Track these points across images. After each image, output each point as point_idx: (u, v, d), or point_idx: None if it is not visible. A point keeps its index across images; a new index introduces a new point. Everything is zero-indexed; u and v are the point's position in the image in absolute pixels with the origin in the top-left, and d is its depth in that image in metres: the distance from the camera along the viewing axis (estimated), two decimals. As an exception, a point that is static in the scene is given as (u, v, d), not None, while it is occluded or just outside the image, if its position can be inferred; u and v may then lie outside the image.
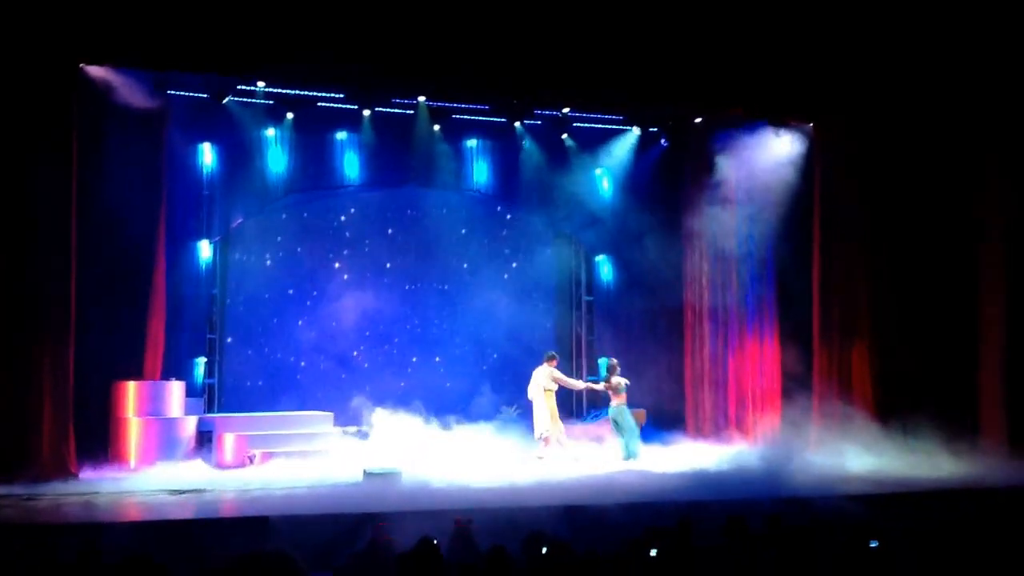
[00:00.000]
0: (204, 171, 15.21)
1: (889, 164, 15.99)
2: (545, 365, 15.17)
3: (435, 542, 7.33)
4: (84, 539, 8.07)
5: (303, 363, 16.32)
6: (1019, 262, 15.73)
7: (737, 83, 15.36)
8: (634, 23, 14.57)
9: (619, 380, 14.98)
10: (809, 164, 16.13)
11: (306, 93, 15.30)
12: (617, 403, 14.86)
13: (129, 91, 13.75)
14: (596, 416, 16.49)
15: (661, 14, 14.63)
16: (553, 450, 14.84)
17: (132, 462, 13.40)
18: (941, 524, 8.83)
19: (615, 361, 15.28)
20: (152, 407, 13.74)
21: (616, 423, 14.87)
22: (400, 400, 15.89)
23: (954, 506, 11.47)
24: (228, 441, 13.96)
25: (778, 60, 15.21)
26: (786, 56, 15.20)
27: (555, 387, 15.14)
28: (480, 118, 16.59)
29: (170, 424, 13.82)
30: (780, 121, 16.15)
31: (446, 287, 17.20)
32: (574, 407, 17.54)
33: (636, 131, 17.19)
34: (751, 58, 15.12)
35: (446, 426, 15.40)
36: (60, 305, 12.79)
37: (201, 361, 15.13)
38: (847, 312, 15.99)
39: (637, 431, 14.96)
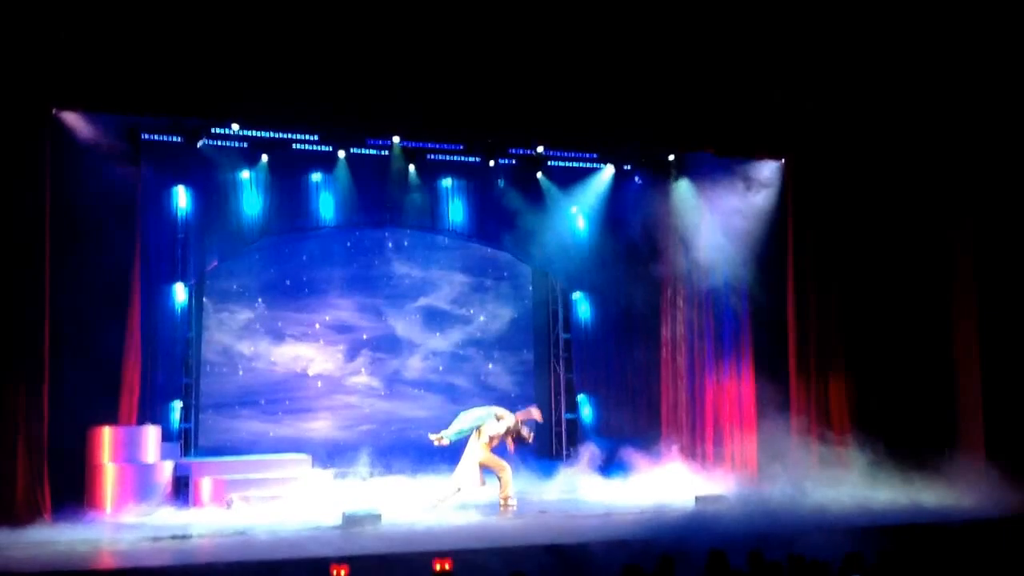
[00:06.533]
0: (179, 214, 15.15)
1: (862, 197, 16.21)
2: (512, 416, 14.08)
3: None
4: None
5: (281, 406, 16.24)
6: (991, 291, 15.91)
7: (706, 122, 15.53)
8: (604, 64, 14.69)
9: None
10: (783, 199, 16.28)
11: (280, 135, 15.30)
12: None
13: (102, 135, 13.78)
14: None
15: (631, 55, 14.76)
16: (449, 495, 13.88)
17: (108, 508, 13.24)
18: (923, 557, 8.81)
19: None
20: (128, 453, 13.61)
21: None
22: (376, 442, 15.93)
23: (938, 537, 11.47)
24: (205, 486, 13.83)
25: (747, 99, 15.38)
26: (756, 95, 15.37)
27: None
28: (455, 158, 16.62)
29: (146, 469, 13.69)
30: (752, 157, 16.29)
31: (422, 327, 17.16)
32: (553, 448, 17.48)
33: (610, 169, 17.25)
34: (720, 98, 15.29)
35: (421, 469, 15.37)
36: (33, 350, 12.70)
37: (177, 405, 14.98)
38: (823, 343, 16.11)
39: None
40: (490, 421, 13.86)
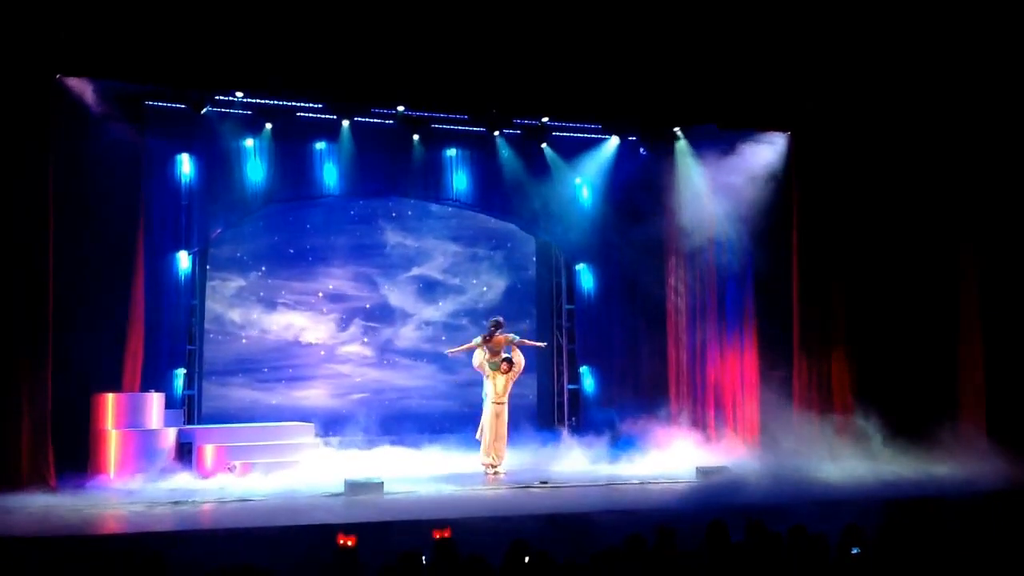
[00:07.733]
0: (183, 181, 15.09)
1: (867, 171, 16.16)
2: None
3: (421, 556, 7.25)
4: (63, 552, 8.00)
5: (282, 373, 16.29)
6: (995, 268, 15.90)
7: (711, 96, 15.49)
8: (610, 35, 14.64)
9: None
10: (788, 171, 16.24)
11: (285, 103, 15.25)
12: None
13: (107, 102, 13.72)
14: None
15: (637, 26, 14.70)
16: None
17: (111, 474, 13.30)
18: (923, 530, 8.82)
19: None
20: (131, 419, 13.65)
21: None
22: (371, 410, 16.06)
23: (939, 510, 11.49)
24: (208, 452, 13.89)
25: (752, 75, 15.35)
26: (760, 70, 15.34)
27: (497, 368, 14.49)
28: (459, 128, 16.55)
29: (149, 436, 13.73)
30: (756, 130, 16.24)
31: (425, 298, 17.17)
32: (555, 418, 17.51)
33: (615, 140, 17.18)
34: (724, 73, 15.26)
35: (418, 438, 15.66)
36: (37, 317, 12.73)
37: (180, 372, 15.01)
38: (827, 318, 16.13)
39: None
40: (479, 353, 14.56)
